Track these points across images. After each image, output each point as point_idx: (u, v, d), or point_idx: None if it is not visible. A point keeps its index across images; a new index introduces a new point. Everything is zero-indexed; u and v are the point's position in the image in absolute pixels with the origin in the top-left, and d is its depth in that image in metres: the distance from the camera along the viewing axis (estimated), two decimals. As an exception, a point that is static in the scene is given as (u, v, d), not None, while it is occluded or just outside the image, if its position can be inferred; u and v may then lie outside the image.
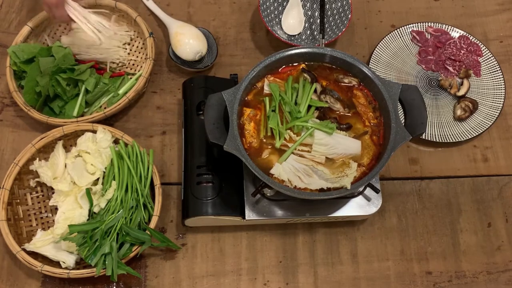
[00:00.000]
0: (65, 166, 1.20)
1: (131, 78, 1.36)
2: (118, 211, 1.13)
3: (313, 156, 1.08)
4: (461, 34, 1.46)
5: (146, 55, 1.34)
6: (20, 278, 1.18)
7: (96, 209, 1.16)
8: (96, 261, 1.08)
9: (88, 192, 1.15)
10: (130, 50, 1.41)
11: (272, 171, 1.06)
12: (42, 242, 1.14)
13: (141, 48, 1.41)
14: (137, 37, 1.41)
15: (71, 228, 1.09)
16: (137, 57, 1.41)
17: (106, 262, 1.08)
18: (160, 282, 1.19)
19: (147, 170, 1.18)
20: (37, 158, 1.21)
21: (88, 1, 1.37)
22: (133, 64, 1.40)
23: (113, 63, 1.38)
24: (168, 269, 1.20)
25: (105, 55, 1.36)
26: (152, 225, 1.14)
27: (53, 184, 1.18)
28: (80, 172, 1.18)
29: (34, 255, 1.14)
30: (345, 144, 1.09)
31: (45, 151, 1.24)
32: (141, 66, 1.38)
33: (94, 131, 1.23)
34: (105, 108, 1.32)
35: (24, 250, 1.12)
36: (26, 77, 1.26)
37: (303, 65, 1.18)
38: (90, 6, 1.39)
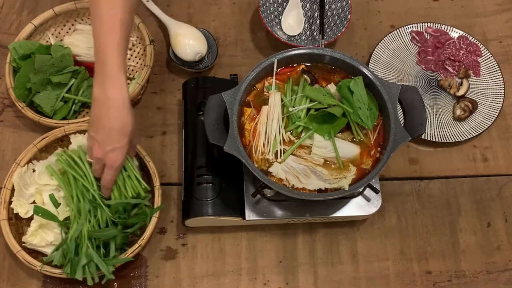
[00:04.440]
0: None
1: (128, 83, 1.37)
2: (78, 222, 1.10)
3: (312, 157, 1.08)
4: (460, 34, 1.47)
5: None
6: (21, 277, 1.18)
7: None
8: (80, 274, 1.07)
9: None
10: (131, 55, 1.41)
11: (270, 169, 1.06)
12: (36, 237, 1.13)
13: (142, 54, 1.41)
14: (139, 43, 1.41)
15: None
16: (137, 63, 1.41)
17: (91, 270, 1.07)
18: (160, 282, 1.20)
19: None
20: (37, 159, 1.22)
21: None
22: (132, 70, 1.40)
23: None
24: (168, 269, 1.21)
25: (105, 58, 1.36)
26: (152, 226, 1.14)
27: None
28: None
29: (35, 254, 1.14)
30: (343, 147, 1.09)
31: (46, 151, 1.24)
32: (140, 73, 1.38)
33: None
34: None
35: (24, 249, 1.13)
36: (19, 72, 1.26)
37: (303, 66, 1.18)
38: None
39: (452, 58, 1.44)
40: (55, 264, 1.10)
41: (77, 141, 1.20)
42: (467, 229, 1.28)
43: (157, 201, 1.17)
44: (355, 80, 1.10)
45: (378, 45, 1.44)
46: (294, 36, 1.46)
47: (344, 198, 1.17)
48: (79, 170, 1.13)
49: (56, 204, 1.14)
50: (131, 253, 1.12)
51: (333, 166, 1.09)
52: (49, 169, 1.17)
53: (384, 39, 1.45)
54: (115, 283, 1.18)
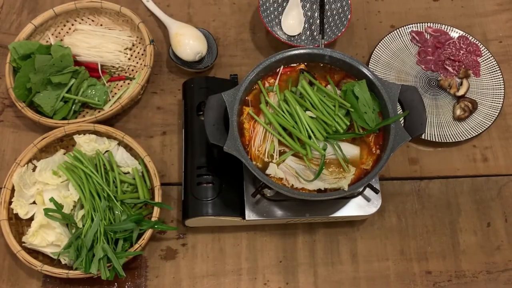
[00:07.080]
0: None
1: (128, 83, 1.37)
2: (94, 218, 1.12)
3: (311, 158, 1.08)
4: (460, 34, 1.47)
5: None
6: (21, 277, 1.18)
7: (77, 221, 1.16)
8: (95, 268, 1.08)
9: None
10: (131, 55, 1.41)
11: (267, 171, 1.06)
12: (36, 237, 1.13)
13: (142, 54, 1.41)
14: (139, 43, 1.41)
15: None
16: (137, 63, 1.41)
17: (102, 265, 1.09)
18: (161, 282, 1.20)
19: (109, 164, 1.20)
20: (37, 159, 1.22)
21: (94, 5, 1.37)
22: (132, 70, 1.40)
23: (113, 67, 1.38)
24: (168, 269, 1.21)
25: (105, 58, 1.36)
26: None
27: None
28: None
29: (35, 253, 1.15)
30: (343, 148, 1.08)
31: (46, 151, 1.24)
32: (140, 73, 1.38)
33: (96, 132, 1.23)
34: (98, 111, 1.32)
35: (24, 248, 1.13)
36: (19, 72, 1.26)
37: (302, 66, 1.18)
38: (96, 10, 1.40)
39: (452, 58, 1.44)
40: (71, 259, 1.11)
41: (81, 141, 1.21)
42: (467, 229, 1.28)
43: (157, 201, 1.17)
44: (359, 84, 1.10)
45: (378, 45, 1.44)
46: (294, 36, 1.46)
47: (344, 198, 1.17)
48: (87, 168, 1.16)
49: (59, 207, 1.14)
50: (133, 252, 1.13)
51: (332, 166, 1.09)
52: (59, 167, 1.17)
53: (384, 39, 1.45)
54: (116, 283, 1.18)
